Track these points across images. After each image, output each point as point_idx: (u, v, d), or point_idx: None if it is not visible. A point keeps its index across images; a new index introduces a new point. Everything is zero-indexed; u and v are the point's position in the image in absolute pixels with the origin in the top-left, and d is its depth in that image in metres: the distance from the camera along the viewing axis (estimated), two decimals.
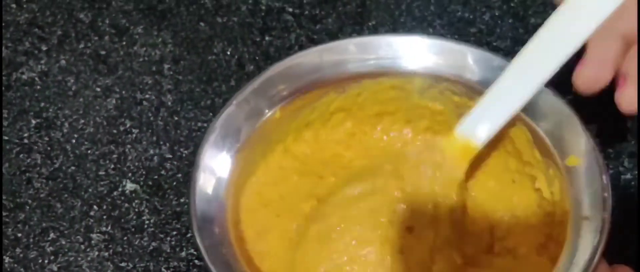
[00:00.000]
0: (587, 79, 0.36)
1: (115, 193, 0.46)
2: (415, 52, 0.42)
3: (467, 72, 0.40)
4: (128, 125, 0.49)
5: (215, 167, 0.38)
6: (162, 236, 0.44)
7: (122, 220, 0.44)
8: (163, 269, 0.42)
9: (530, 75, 0.35)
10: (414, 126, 0.42)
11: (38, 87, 0.51)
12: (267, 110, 0.40)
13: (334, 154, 0.43)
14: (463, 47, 0.41)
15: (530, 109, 0.38)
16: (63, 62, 0.53)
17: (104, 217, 0.45)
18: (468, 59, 0.41)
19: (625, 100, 0.36)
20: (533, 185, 0.39)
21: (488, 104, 0.37)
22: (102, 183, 0.46)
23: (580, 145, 0.36)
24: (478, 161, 0.40)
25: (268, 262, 0.38)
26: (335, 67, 0.41)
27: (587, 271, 0.32)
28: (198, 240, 0.35)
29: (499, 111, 0.37)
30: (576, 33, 0.34)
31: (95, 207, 0.45)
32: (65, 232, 0.44)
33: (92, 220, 0.44)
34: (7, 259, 0.43)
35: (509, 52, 0.50)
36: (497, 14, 0.54)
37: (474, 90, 0.40)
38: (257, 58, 0.52)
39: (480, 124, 0.37)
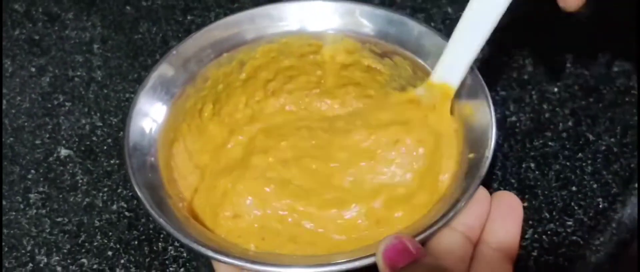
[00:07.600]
0: None
1: (50, 159, 0.50)
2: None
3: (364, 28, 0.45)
4: (61, 99, 0.53)
5: (150, 112, 0.41)
6: (94, 192, 0.48)
7: (58, 181, 0.48)
8: (96, 221, 0.46)
9: (482, 18, 0.39)
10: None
11: None
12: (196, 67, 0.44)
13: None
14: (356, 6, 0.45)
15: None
16: None
17: (41, 179, 0.48)
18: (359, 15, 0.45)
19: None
20: None
21: (452, 50, 0.40)
22: (38, 151, 0.50)
23: (477, 95, 0.41)
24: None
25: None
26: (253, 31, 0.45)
27: (469, 195, 0.36)
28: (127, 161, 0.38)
29: (463, 55, 0.40)
30: None
31: (32, 171, 0.49)
32: (5, 193, 0.48)
33: (29, 182, 0.48)
34: None
35: None
36: None
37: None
38: (180, 35, 0.57)
39: (451, 68, 0.41)
